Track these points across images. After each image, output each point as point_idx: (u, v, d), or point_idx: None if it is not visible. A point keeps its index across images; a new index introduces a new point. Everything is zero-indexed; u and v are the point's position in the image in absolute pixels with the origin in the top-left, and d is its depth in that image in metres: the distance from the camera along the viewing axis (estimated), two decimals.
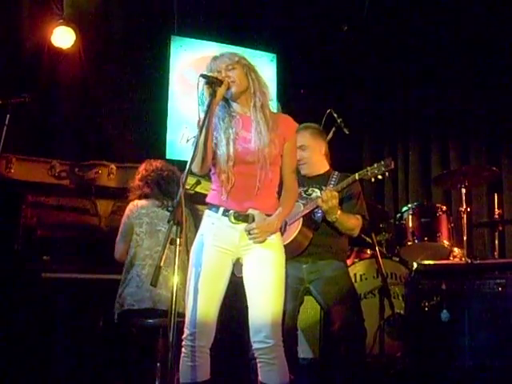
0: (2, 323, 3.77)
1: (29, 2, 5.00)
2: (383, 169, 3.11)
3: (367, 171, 3.16)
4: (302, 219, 3.34)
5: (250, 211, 2.62)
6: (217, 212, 2.65)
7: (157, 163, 3.78)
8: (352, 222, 3.35)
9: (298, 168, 3.50)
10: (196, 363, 2.55)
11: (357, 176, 3.20)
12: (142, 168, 3.76)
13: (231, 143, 2.63)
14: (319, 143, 3.57)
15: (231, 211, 2.62)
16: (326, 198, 3.16)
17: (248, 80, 2.68)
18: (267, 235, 2.59)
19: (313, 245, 3.36)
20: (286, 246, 3.24)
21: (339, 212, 3.23)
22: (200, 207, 3.80)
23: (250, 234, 2.57)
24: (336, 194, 3.17)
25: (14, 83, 4.66)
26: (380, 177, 3.15)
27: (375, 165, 3.15)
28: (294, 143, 2.78)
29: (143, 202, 3.65)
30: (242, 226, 2.61)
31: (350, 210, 3.38)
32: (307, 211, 3.33)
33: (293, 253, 3.31)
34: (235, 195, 2.63)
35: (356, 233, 3.45)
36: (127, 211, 3.65)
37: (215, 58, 2.70)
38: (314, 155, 3.54)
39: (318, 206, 3.26)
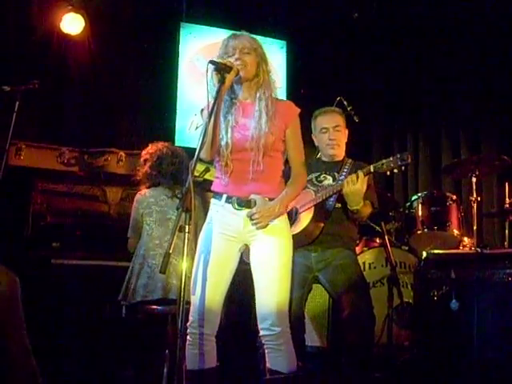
0: None
1: None
2: (399, 163, 3.05)
3: (382, 164, 3.11)
4: (314, 208, 3.32)
5: (252, 196, 2.61)
6: (220, 199, 2.66)
7: (166, 148, 3.69)
8: (368, 211, 3.35)
9: (326, 149, 3.50)
10: (201, 350, 2.56)
11: (372, 168, 3.15)
12: (151, 153, 3.67)
13: (229, 130, 2.63)
14: (346, 128, 3.57)
15: (234, 198, 2.62)
16: (350, 179, 3.12)
17: (258, 70, 2.66)
18: (269, 220, 2.58)
19: (322, 233, 3.35)
20: (296, 235, 3.24)
21: (362, 203, 3.21)
22: (210, 195, 3.80)
23: (251, 219, 2.57)
24: (363, 176, 3.12)
25: (23, 70, 4.66)
26: (396, 170, 3.11)
27: (391, 158, 3.09)
28: (296, 128, 2.72)
29: (151, 191, 3.61)
30: (246, 211, 2.60)
31: None
32: (322, 199, 3.31)
33: (303, 242, 3.31)
34: (234, 180, 2.64)
35: (364, 220, 3.45)
36: (135, 203, 3.61)
37: (234, 36, 2.67)
38: (344, 138, 3.55)
39: (334, 193, 3.25)
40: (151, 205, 3.56)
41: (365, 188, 3.15)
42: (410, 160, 3.06)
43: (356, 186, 3.11)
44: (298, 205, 3.38)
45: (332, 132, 3.48)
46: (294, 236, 3.21)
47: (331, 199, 3.33)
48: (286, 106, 2.75)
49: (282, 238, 2.64)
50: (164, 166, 3.64)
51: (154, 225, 3.55)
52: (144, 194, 3.61)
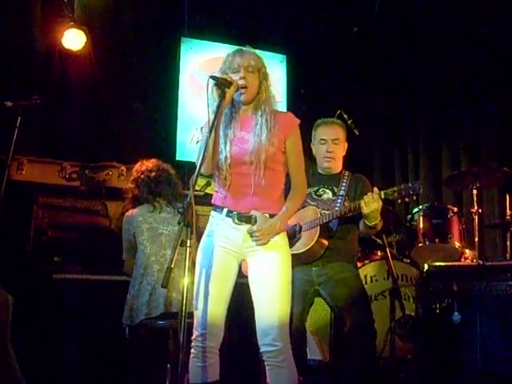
0: (12, 324, 3.79)
1: (40, 4, 5.02)
2: (410, 192, 3.06)
3: (394, 191, 3.11)
4: (319, 228, 3.31)
5: (253, 212, 2.61)
6: (221, 213, 2.66)
7: (148, 163, 3.75)
8: (381, 224, 3.34)
9: (322, 161, 3.51)
10: (206, 364, 2.56)
11: (382, 195, 3.15)
12: (135, 169, 3.76)
13: (228, 143, 2.64)
14: (345, 141, 3.58)
15: (235, 212, 2.62)
16: (368, 199, 3.11)
17: (260, 87, 2.68)
18: (269, 237, 2.58)
19: None
20: (301, 254, 3.25)
21: (379, 218, 3.20)
22: (206, 208, 3.80)
23: (252, 236, 2.57)
24: (377, 196, 3.11)
25: (25, 85, 4.68)
26: (407, 199, 3.11)
27: (402, 186, 3.10)
28: (296, 139, 2.71)
29: (137, 211, 3.64)
30: (246, 227, 2.60)
31: None
32: (328, 219, 3.29)
33: (307, 260, 3.31)
34: (233, 194, 2.64)
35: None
36: (124, 225, 3.65)
37: (240, 53, 2.67)
38: (342, 152, 3.55)
39: (339, 216, 3.25)
40: (140, 224, 3.58)
41: (379, 204, 3.13)
42: (421, 191, 3.06)
43: (375, 204, 3.10)
44: (302, 222, 3.37)
45: (330, 144, 3.48)
46: (298, 255, 3.22)
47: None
48: (286, 118, 2.75)
49: (281, 254, 2.64)
50: (141, 180, 3.68)
51: (147, 243, 3.55)
52: (131, 214, 3.65)
